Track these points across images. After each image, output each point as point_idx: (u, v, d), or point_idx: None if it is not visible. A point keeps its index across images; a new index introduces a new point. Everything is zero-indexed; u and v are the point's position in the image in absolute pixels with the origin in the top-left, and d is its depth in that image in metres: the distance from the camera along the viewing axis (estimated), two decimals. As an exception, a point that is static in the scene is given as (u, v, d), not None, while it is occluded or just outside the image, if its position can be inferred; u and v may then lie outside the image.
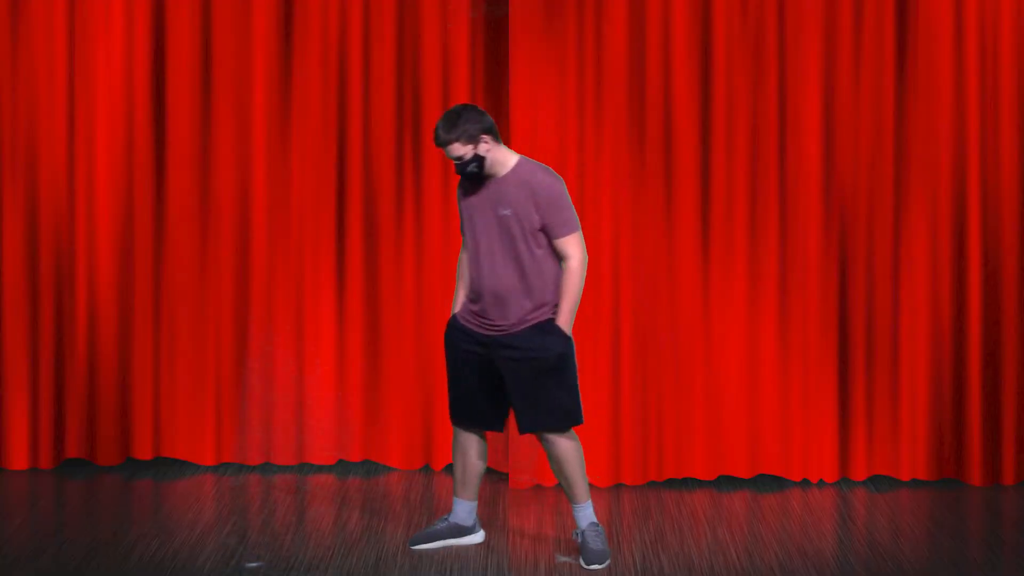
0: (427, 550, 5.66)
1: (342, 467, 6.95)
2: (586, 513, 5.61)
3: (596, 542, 5.56)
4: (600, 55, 6.68)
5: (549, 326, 5.45)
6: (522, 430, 5.53)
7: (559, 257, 5.47)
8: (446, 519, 5.75)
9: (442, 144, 5.39)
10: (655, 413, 6.74)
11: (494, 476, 6.80)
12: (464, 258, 5.62)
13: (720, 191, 6.71)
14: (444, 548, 5.69)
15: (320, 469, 6.92)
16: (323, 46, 6.88)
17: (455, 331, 5.59)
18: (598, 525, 5.62)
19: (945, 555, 5.70)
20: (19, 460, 6.87)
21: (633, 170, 6.69)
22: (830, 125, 6.72)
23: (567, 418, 5.49)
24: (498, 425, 5.64)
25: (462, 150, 5.39)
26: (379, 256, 6.92)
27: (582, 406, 5.57)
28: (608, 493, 6.60)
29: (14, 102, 6.82)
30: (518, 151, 6.59)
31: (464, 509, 5.73)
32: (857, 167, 6.70)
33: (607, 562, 5.54)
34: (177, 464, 6.95)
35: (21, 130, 6.82)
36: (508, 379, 5.50)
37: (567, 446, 5.52)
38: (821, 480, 6.76)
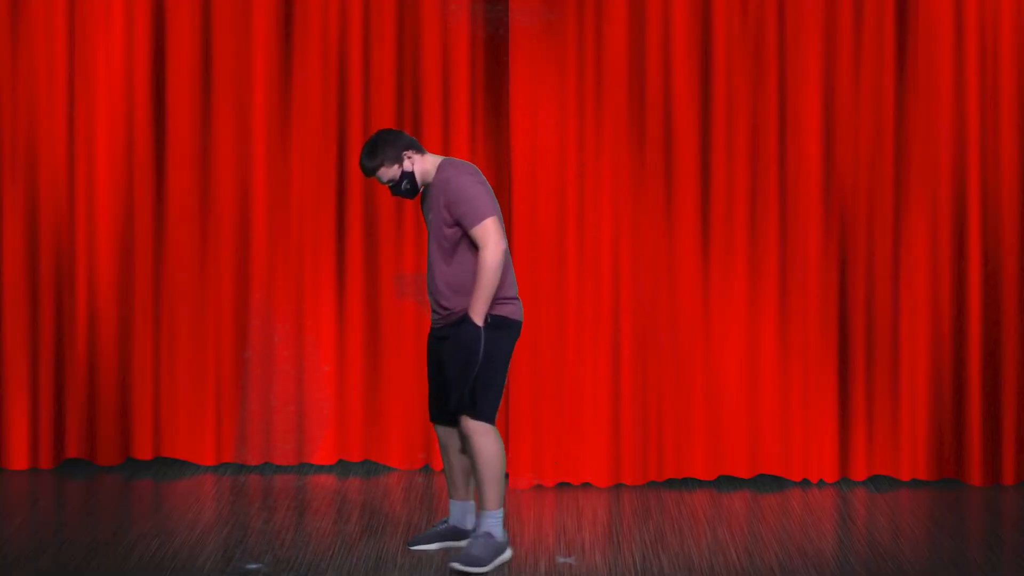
0: (424, 551, 5.65)
1: (342, 467, 6.95)
2: (491, 521, 5.44)
3: (478, 546, 5.43)
4: (600, 55, 6.68)
5: (464, 316, 5.39)
6: (443, 417, 5.56)
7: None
8: (446, 521, 5.73)
9: (370, 173, 5.45)
10: (655, 413, 6.74)
11: (494, 476, 6.80)
12: None
13: (720, 191, 6.71)
14: (443, 549, 5.68)
15: (320, 469, 6.92)
16: (323, 46, 6.88)
17: (430, 330, 5.63)
18: (494, 538, 5.44)
19: (945, 555, 5.70)
20: (19, 460, 6.87)
21: (633, 170, 6.69)
22: (830, 125, 6.72)
23: (468, 408, 5.37)
24: (441, 417, 5.58)
25: (390, 172, 5.44)
26: (379, 256, 6.92)
27: (494, 405, 5.39)
28: (608, 493, 6.60)
29: (14, 102, 6.82)
30: (518, 151, 6.60)
31: (458, 510, 5.68)
32: (857, 167, 6.70)
33: (477, 569, 5.40)
34: (177, 464, 6.95)
35: (21, 130, 6.82)
36: (441, 368, 5.51)
37: (483, 443, 5.38)
38: (821, 480, 6.76)
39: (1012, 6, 6.66)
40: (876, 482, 6.76)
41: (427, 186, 5.51)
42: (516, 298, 5.46)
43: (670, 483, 6.74)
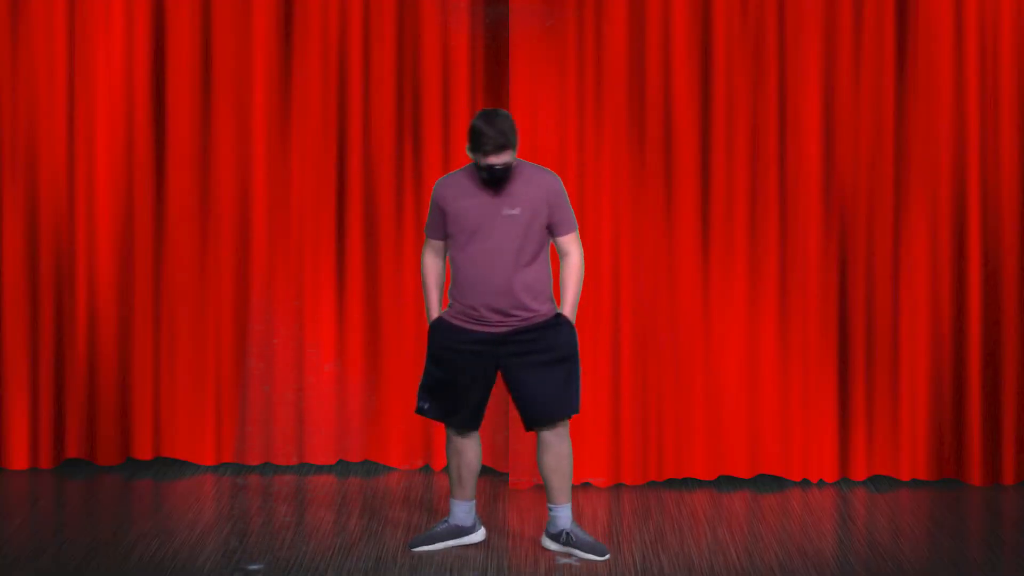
0: (427, 552, 5.66)
1: (342, 467, 6.95)
2: (568, 513, 5.69)
3: (588, 536, 5.68)
4: (600, 55, 6.68)
5: (558, 319, 5.53)
6: (536, 424, 5.56)
7: (560, 253, 5.60)
8: (446, 521, 5.75)
9: (496, 150, 5.37)
10: (655, 413, 6.74)
11: (494, 476, 6.80)
12: (432, 261, 5.66)
13: (720, 191, 6.71)
14: (446, 549, 5.69)
15: (320, 469, 6.92)
16: (323, 46, 6.88)
17: (447, 332, 5.58)
18: (579, 526, 5.79)
19: (945, 555, 5.70)
20: (19, 460, 6.87)
21: (633, 170, 6.69)
22: (830, 125, 6.72)
23: (573, 408, 5.58)
24: (478, 424, 5.66)
25: (508, 156, 5.42)
26: (379, 256, 6.92)
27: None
28: (608, 493, 6.60)
29: (14, 102, 6.82)
30: (518, 151, 6.60)
31: (463, 510, 5.74)
32: (857, 167, 6.70)
33: (608, 554, 5.63)
34: (177, 464, 6.95)
35: (21, 130, 6.82)
36: (518, 374, 5.52)
37: (568, 441, 5.63)
38: (821, 480, 6.76)
39: (1012, 6, 6.66)
40: (876, 482, 6.76)
41: (473, 176, 5.51)
42: None
43: (670, 483, 6.74)
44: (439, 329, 5.60)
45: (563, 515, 5.67)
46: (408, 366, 6.90)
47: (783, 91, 6.71)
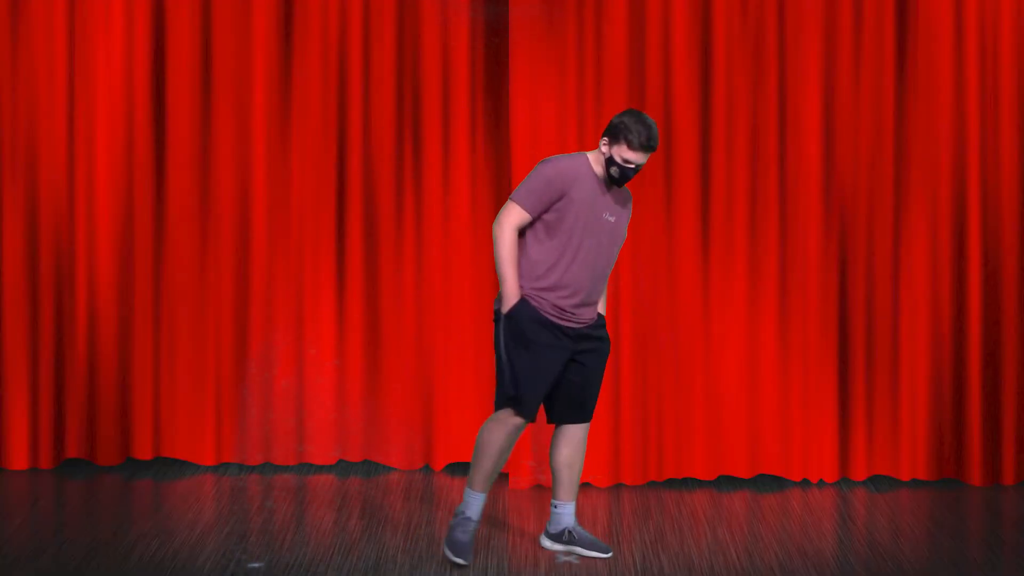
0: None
1: (342, 467, 6.95)
2: (572, 510, 5.70)
3: (589, 534, 5.70)
4: (600, 55, 6.68)
5: (602, 320, 5.62)
6: (587, 418, 5.59)
7: None
8: (469, 518, 5.53)
9: (648, 150, 5.38)
10: (655, 413, 6.74)
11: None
12: (514, 235, 5.37)
13: (720, 191, 6.71)
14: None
15: (320, 469, 6.92)
16: (323, 46, 6.89)
17: (536, 319, 5.40)
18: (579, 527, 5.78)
19: (945, 555, 5.70)
20: (19, 460, 6.87)
21: (633, 170, 6.69)
22: (830, 125, 6.72)
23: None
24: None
25: (644, 161, 5.44)
26: (379, 256, 6.92)
27: None
28: (608, 493, 6.60)
29: (14, 102, 6.82)
30: (518, 151, 6.60)
31: (482, 501, 5.57)
32: (857, 167, 6.71)
33: (610, 551, 5.65)
34: (177, 464, 6.96)
35: (21, 130, 6.83)
36: (587, 371, 5.53)
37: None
38: (821, 480, 6.76)
39: (1012, 6, 6.67)
40: (876, 482, 6.76)
41: (595, 182, 5.48)
42: None
43: (670, 483, 6.74)
44: (532, 311, 5.39)
45: (568, 512, 5.67)
46: (408, 366, 6.90)
47: (783, 91, 6.71)
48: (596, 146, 6.69)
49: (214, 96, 6.88)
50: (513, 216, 5.37)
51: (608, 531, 5.99)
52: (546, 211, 5.37)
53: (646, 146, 5.34)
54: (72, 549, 5.66)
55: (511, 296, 5.38)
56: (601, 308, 5.61)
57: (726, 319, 6.73)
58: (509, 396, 5.41)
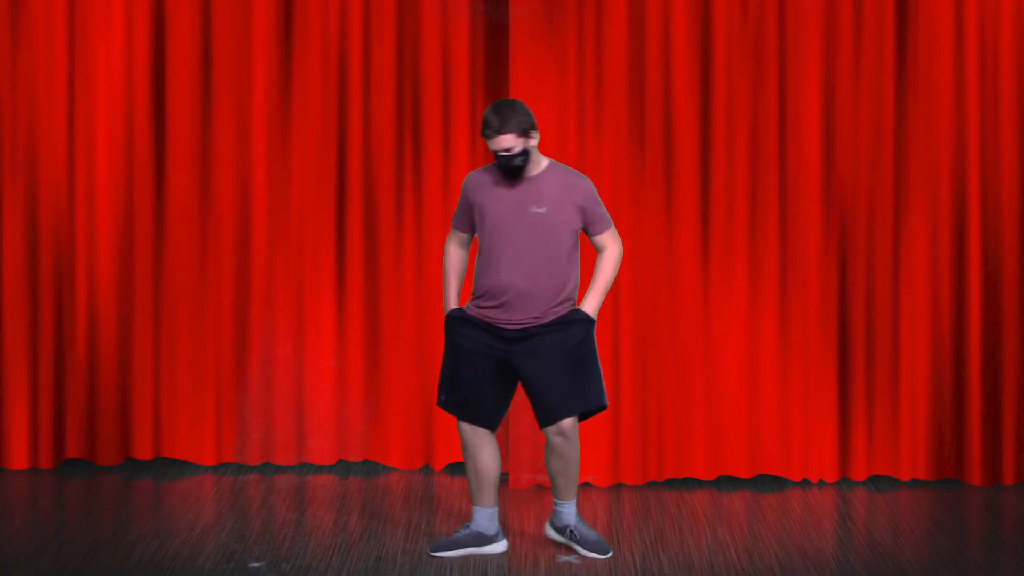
0: (447, 558, 5.63)
1: (342, 467, 6.95)
2: (573, 509, 5.67)
3: (592, 532, 5.67)
4: (600, 55, 6.68)
5: (574, 315, 5.51)
6: (551, 421, 5.49)
7: (597, 249, 5.60)
8: (468, 526, 5.68)
9: (494, 134, 5.38)
10: (655, 413, 6.74)
11: (494, 476, 6.80)
12: (455, 252, 5.65)
13: (720, 191, 6.71)
14: (465, 556, 5.64)
15: (320, 469, 6.92)
16: (323, 46, 6.88)
17: (463, 324, 5.54)
18: (584, 522, 5.76)
19: (945, 555, 5.70)
20: (19, 460, 6.87)
21: (633, 170, 6.69)
22: (830, 125, 6.72)
23: (594, 401, 5.53)
24: (497, 425, 5.62)
25: (511, 141, 5.39)
26: (379, 256, 6.92)
27: (605, 390, 5.61)
28: (608, 493, 6.60)
29: (14, 102, 6.82)
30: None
31: (484, 516, 5.64)
32: (857, 167, 6.70)
33: (610, 551, 5.62)
34: (177, 464, 6.95)
35: (21, 130, 6.82)
36: (532, 372, 5.47)
37: (576, 447, 5.56)
38: (821, 480, 6.76)
39: (1012, 6, 6.66)
40: (876, 482, 6.76)
41: (511, 174, 5.48)
42: None
43: (670, 483, 6.74)
44: (456, 320, 5.55)
45: (568, 511, 5.66)
46: (408, 366, 6.90)
47: (783, 91, 6.71)
48: (594, 146, 6.69)
49: (214, 96, 6.88)
50: (451, 235, 5.67)
51: (608, 531, 5.99)
52: (472, 223, 5.57)
53: (497, 131, 5.37)
54: (72, 549, 5.66)
55: (445, 308, 5.63)
56: (590, 300, 5.52)
57: (726, 319, 6.72)
58: (438, 401, 5.63)
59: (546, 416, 5.49)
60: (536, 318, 5.46)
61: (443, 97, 6.87)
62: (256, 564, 5.49)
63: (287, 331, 6.93)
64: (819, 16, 6.67)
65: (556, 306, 5.48)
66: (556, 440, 5.50)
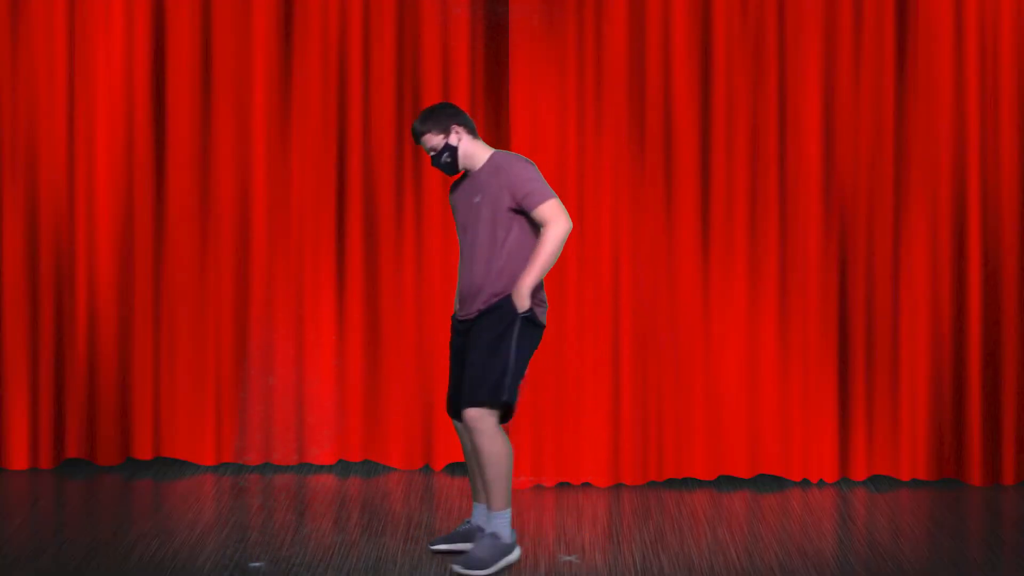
0: (445, 551, 5.60)
1: (342, 467, 6.95)
2: (498, 522, 5.40)
3: (483, 549, 5.38)
4: (600, 55, 6.68)
5: (503, 301, 5.34)
6: (455, 411, 5.44)
7: (541, 226, 5.35)
8: (468, 522, 5.68)
9: (417, 136, 5.48)
10: (655, 413, 6.74)
11: (494, 476, 6.80)
12: None
13: (720, 191, 6.71)
14: (463, 550, 5.61)
15: (320, 469, 6.92)
16: (323, 46, 6.88)
17: (451, 327, 5.60)
18: (499, 538, 5.41)
19: (945, 555, 5.70)
20: (19, 460, 6.87)
21: (633, 170, 6.69)
22: (830, 125, 6.72)
23: (483, 395, 5.28)
24: (455, 411, 5.55)
25: (434, 140, 5.45)
26: (379, 256, 6.92)
27: (516, 391, 5.31)
28: (608, 493, 6.60)
29: (14, 102, 6.82)
30: (518, 151, 6.59)
31: (482, 512, 5.61)
32: (857, 167, 6.70)
33: (480, 572, 5.34)
34: (177, 464, 6.95)
35: (21, 130, 6.83)
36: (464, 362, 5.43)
37: (490, 444, 5.30)
38: (821, 480, 6.76)
39: (1012, 6, 6.66)
40: (876, 482, 6.76)
41: (468, 172, 5.49)
42: (546, 303, 5.45)
43: (670, 483, 6.74)
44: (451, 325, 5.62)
45: (487, 517, 5.44)
46: (408, 366, 6.90)
47: (783, 91, 6.71)
48: (594, 146, 6.69)
49: (214, 96, 6.88)
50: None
51: (608, 531, 5.99)
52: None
53: (416, 136, 5.50)
54: (72, 549, 5.66)
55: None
56: (523, 278, 5.26)
57: (726, 319, 6.73)
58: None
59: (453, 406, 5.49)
60: (479, 309, 5.39)
61: (443, 97, 6.87)
62: (256, 564, 5.49)
63: (287, 331, 6.93)
64: (819, 16, 6.68)
65: (495, 294, 5.35)
66: (469, 433, 5.36)
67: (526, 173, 5.33)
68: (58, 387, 6.89)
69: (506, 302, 5.33)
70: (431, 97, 6.85)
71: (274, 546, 5.73)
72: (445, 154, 5.45)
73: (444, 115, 5.45)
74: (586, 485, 6.70)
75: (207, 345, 6.91)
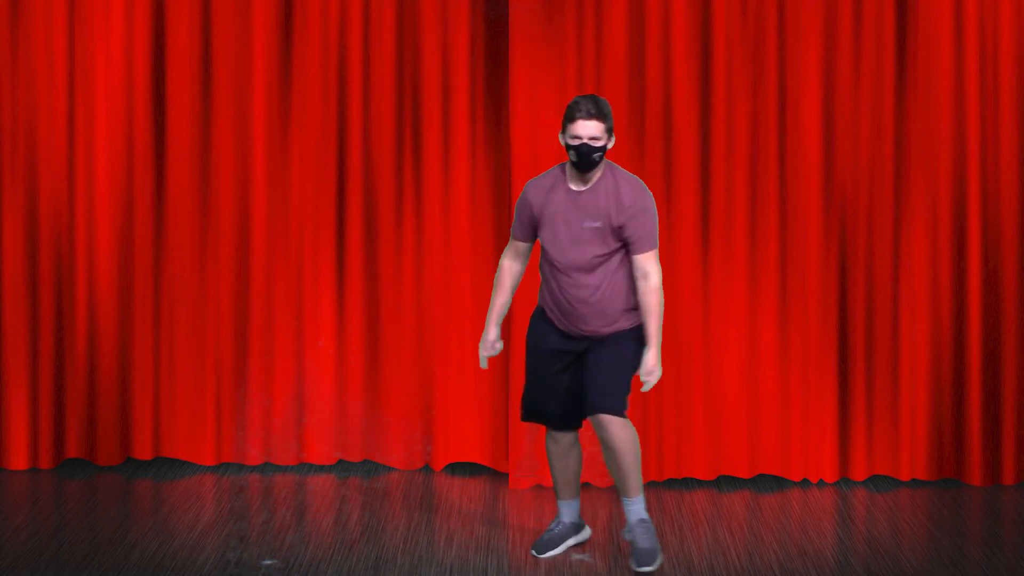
0: (555, 556, 5.64)
1: (342, 467, 6.95)
2: (636, 507, 5.57)
3: (647, 540, 5.53)
4: (600, 55, 6.68)
5: (639, 332, 5.49)
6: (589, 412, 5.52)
7: (637, 274, 5.47)
8: (560, 521, 5.71)
9: (586, 117, 5.34)
10: (655, 413, 6.74)
11: (494, 476, 6.80)
12: (509, 264, 5.62)
13: (720, 191, 6.71)
14: (569, 548, 5.69)
15: (320, 469, 6.92)
16: (323, 46, 6.88)
17: (545, 325, 5.57)
18: (647, 521, 5.58)
19: (945, 555, 5.70)
20: (19, 460, 6.87)
21: (633, 170, 6.68)
22: (830, 125, 6.72)
23: (622, 398, 5.49)
24: (570, 424, 5.65)
25: (600, 133, 5.36)
26: (379, 256, 6.92)
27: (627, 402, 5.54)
28: (609, 493, 6.60)
29: (14, 102, 6.82)
30: (518, 151, 6.60)
31: (573, 508, 5.72)
32: (857, 167, 6.71)
33: (656, 563, 5.50)
34: (177, 464, 6.95)
35: (21, 130, 6.83)
36: (588, 363, 5.49)
37: (622, 431, 5.47)
38: (821, 480, 6.76)
39: (1012, 6, 6.66)
40: (876, 482, 6.76)
41: (573, 179, 5.46)
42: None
43: (670, 483, 6.74)
44: (539, 319, 5.59)
45: (629, 509, 5.57)
46: (408, 366, 6.90)
47: (783, 91, 6.71)
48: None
49: (214, 96, 6.88)
50: (509, 244, 5.63)
51: (608, 531, 5.99)
52: (533, 231, 5.54)
53: (584, 114, 5.34)
54: (72, 549, 5.66)
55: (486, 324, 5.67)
56: (653, 337, 5.43)
57: (726, 319, 6.73)
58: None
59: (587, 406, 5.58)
60: (603, 326, 5.49)
61: (443, 97, 6.87)
62: (270, 561, 5.49)
63: (287, 331, 6.93)
64: (819, 16, 6.68)
65: (620, 318, 5.51)
66: (604, 431, 5.49)
67: (646, 213, 5.43)
68: (58, 387, 6.89)
69: (640, 328, 5.46)
70: (431, 97, 6.85)
71: (274, 546, 5.73)
72: (600, 152, 5.39)
73: (611, 115, 5.43)
74: (586, 485, 6.70)
75: (207, 345, 6.91)
